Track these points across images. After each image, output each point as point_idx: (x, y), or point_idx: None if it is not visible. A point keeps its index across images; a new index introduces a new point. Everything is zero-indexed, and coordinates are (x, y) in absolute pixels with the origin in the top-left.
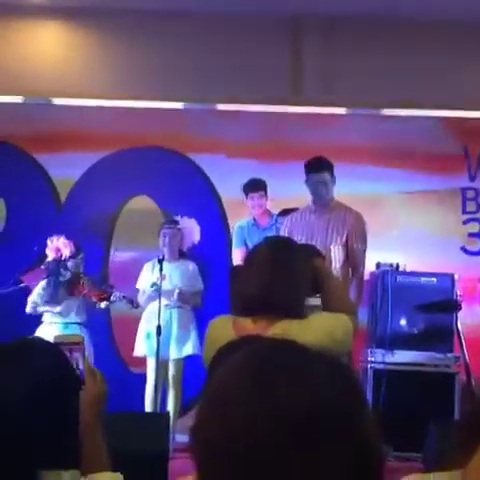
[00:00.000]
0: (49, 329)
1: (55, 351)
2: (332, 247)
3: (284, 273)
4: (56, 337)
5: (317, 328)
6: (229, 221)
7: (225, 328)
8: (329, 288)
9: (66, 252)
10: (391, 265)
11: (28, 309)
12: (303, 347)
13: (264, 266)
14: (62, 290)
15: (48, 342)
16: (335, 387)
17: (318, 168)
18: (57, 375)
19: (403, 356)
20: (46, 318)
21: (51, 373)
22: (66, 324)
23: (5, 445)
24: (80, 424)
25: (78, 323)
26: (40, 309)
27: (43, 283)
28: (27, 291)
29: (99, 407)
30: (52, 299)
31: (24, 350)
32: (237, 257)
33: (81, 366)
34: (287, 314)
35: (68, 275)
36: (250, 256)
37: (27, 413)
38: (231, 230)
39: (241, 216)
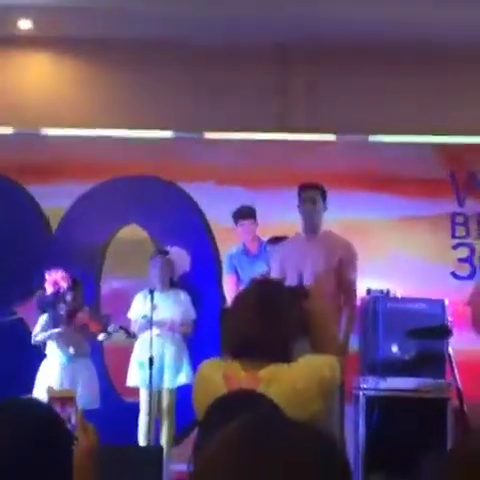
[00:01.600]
0: (53, 363)
1: (47, 410)
2: (323, 276)
3: (271, 316)
4: (49, 392)
5: (305, 372)
6: (219, 248)
7: (215, 378)
8: (317, 330)
9: (64, 285)
10: (381, 291)
11: (33, 341)
12: (290, 425)
13: (251, 310)
14: (62, 323)
15: (40, 401)
16: (320, 469)
17: (309, 186)
18: (49, 434)
19: (395, 382)
20: (49, 351)
21: (43, 432)
22: (69, 357)
23: None
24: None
25: (82, 355)
26: (41, 336)
27: (45, 317)
28: (23, 323)
29: (92, 461)
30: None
31: (17, 410)
32: (227, 284)
33: (73, 421)
34: (275, 358)
35: (67, 308)
36: (237, 299)
37: (20, 472)
38: (221, 257)
39: (231, 243)
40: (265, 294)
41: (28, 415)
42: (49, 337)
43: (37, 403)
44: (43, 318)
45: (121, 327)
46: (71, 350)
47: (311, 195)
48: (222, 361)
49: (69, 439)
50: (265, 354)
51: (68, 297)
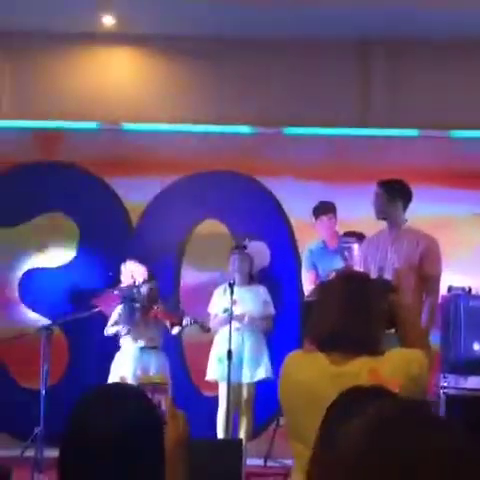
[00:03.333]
0: (126, 354)
1: (145, 398)
2: (404, 271)
3: (359, 309)
4: (141, 378)
5: (394, 365)
6: (298, 243)
7: (305, 369)
8: (405, 324)
9: (139, 277)
10: (463, 289)
11: (107, 333)
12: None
13: (339, 302)
14: (137, 315)
15: (134, 387)
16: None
17: (383, 182)
18: (146, 420)
19: (476, 381)
20: (123, 343)
21: (142, 418)
22: (142, 349)
23: None
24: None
25: (154, 347)
26: (115, 328)
27: (119, 308)
28: (102, 316)
29: (181, 448)
30: (128, 324)
31: (119, 395)
32: (306, 279)
33: (163, 407)
34: (363, 351)
35: (142, 300)
36: (323, 291)
37: (116, 454)
38: (300, 252)
39: (310, 238)
40: (352, 286)
41: (123, 399)
42: (121, 331)
43: (131, 388)
44: (117, 310)
45: (195, 321)
46: (143, 342)
47: (383, 190)
48: (307, 353)
49: (161, 424)
50: (353, 347)
51: (143, 289)
